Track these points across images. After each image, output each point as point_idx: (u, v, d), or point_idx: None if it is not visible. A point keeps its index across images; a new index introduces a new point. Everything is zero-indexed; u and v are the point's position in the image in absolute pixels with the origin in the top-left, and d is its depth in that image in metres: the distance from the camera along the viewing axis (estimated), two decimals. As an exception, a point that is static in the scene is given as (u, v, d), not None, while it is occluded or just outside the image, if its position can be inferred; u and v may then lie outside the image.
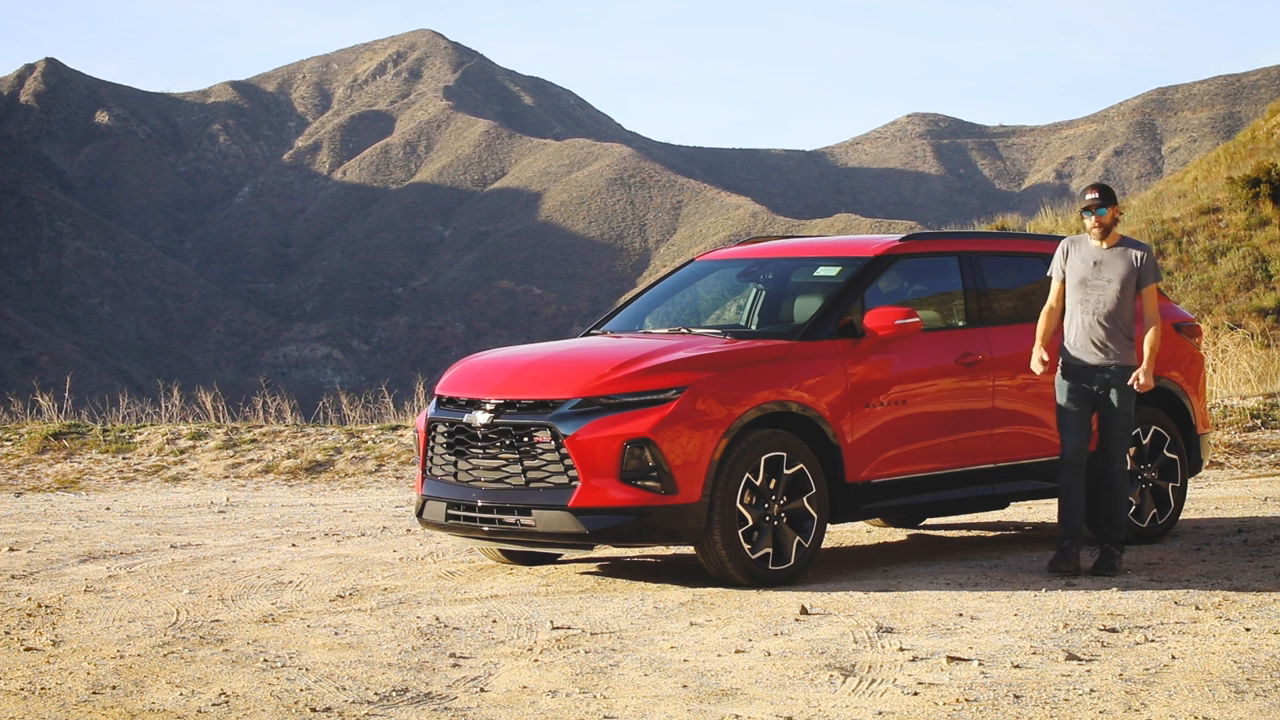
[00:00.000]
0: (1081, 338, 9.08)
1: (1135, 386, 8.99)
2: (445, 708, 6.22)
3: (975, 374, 9.55)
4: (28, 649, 7.38)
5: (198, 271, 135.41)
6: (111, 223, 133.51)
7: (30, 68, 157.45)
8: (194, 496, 14.59)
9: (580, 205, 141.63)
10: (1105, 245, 9.13)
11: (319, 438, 16.85)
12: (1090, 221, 9.10)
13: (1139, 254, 9.07)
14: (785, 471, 8.69)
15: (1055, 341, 9.37)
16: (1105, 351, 9.04)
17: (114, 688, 6.58)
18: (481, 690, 6.48)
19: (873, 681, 6.49)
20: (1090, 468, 9.94)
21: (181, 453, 16.53)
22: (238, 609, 8.34)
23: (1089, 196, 9.12)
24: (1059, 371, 9.21)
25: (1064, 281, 9.21)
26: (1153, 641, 7.17)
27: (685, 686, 6.48)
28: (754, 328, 9.86)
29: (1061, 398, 9.14)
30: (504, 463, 8.74)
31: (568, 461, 8.50)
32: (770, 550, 8.66)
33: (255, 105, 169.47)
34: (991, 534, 11.04)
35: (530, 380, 8.87)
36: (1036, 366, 9.08)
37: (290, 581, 9.19)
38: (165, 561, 10.10)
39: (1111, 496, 9.16)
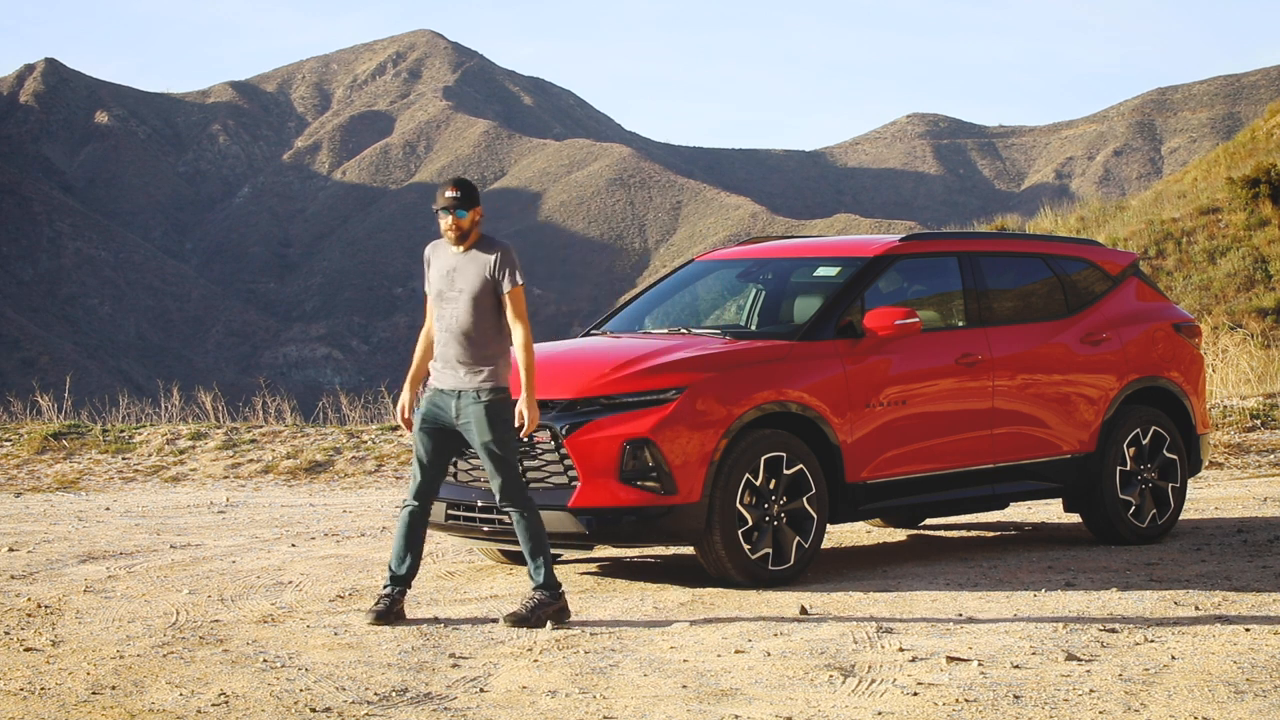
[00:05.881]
0: (438, 359, 7.91)
1: (520, 428, 7.79)
2: (445, 708, 6.22)
3: (975, 374, 9.54)
4: (28, 649, 7.38)
5: (198, 271, 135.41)
6: (111, 223, 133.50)
7: (30, 68, 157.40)
8: (194, 497, 14.59)
9: (580, 205, 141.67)
10: (462, 250, 7.88)
11: (319, 438, 16.85)
12: (447, 223, 7.81)
13: (493, 257, 7.79)
14: (785, 472, 8.69)
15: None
16: (458, 374, 7.82)
17: (114, 688, 6.58)
18: (481, 690, 6.48)
19: (872, 682, 6.49)
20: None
21: (181, 453, 16.52)
22: (237, 609, 8.34)
23: (448, 195, 7.78)
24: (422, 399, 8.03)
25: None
26: (1153, 641, 7.17)
27: (685, 686, 6.48)
28: (754, 328, 9.86)
29: (415, 426, 7.95)
30: (504, 463, 8.72)
31: (567, 462, 8.50)
32: (770, 550, 8.65)
33: (255, 105, 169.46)
34: (991, 534, 11.04)
35: (530, 380, 8.85)
36: (400, 420, 8.06)
37: (290, 581, 9.19)
38: (165, 561, 10.10)
39: (523, 540, 7.84)
